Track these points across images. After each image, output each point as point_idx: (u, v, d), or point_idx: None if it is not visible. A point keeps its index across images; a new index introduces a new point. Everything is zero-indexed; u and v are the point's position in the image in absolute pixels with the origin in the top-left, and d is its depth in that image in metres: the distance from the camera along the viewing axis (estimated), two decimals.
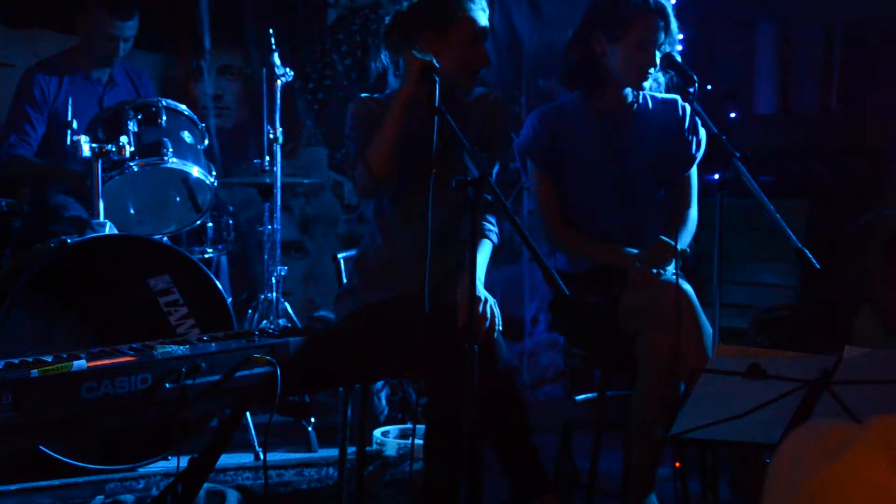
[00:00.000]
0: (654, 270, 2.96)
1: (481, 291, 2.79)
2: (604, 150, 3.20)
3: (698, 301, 2.92)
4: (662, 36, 3.08)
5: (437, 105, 2.69)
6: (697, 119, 3.16)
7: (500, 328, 2.83)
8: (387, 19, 3.13)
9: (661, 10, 3.09)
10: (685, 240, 3.15)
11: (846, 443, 1.23)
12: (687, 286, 2.92)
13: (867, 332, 3.58)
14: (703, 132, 3.20)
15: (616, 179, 3.19)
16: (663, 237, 3.01)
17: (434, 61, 2.81)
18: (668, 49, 3.10)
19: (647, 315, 2.92)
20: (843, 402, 2.20)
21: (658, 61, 3.07)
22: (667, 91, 3.23)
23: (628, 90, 3.20)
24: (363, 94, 3.14)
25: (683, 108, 3.22)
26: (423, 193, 2.92)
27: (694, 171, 3.25)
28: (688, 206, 3.23)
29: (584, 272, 3.20)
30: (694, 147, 3.22)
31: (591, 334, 3.13)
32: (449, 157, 2.82)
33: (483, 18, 3.02)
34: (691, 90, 2.92)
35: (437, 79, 2.75)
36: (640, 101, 3.23)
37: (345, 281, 3.27)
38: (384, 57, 3.13)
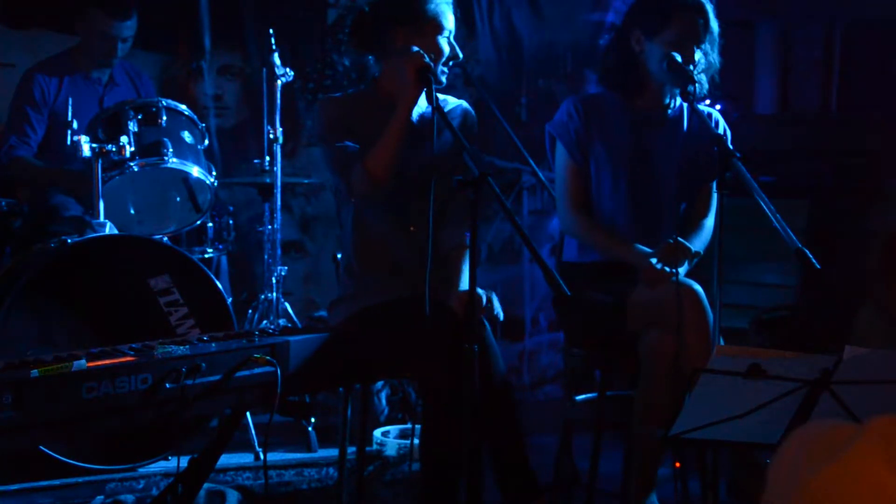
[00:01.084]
0: (667, 269, 2.96)
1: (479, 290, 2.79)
2: (632, 147, 3.20)
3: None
4: (702, 34, 3.07)
5: (434, 105, 2.69)
6: (729, 134, 3.16)
7: (502, 317, 2.83)
8: (348, 20, 3.12)
9: (700, 8, 3.09)
10: (698, 245, 3.14)
11: (846, 443, 1.23)
12: (696, 286, 2.93)
13: (867, 332, 3.58)
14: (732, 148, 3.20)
15: (639, 178, 3.19)
16: (678, 237, 3.02)
17: (431, 64, 2.80)
18: (709, 50, 3.10)
19: (653, 314, 2.92)
20: (843, 402, 2.20)
21: (696, 61, 3.07)
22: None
23: (667, 92, 3.19)
24: (329, 94, 3.14)
25: (717, 122, 3.21)
26: (407, 196, 2.92)
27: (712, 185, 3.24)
28: (704, 215, 3.23)
29: (593, 263, 3.20)
30: None
31: (593, 333, 3.13)
32: (441, 160, 2.81)
33: (450, 13, 3.00)
34: (690, 90, 2.93)
35: (432, 79, 2.74)
36: (676, 106, 3.23)
37: None
38: (346, 60, 3.13)
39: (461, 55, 3.02)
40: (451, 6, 3.01)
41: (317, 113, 3.08)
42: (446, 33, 2.98)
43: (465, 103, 3.18)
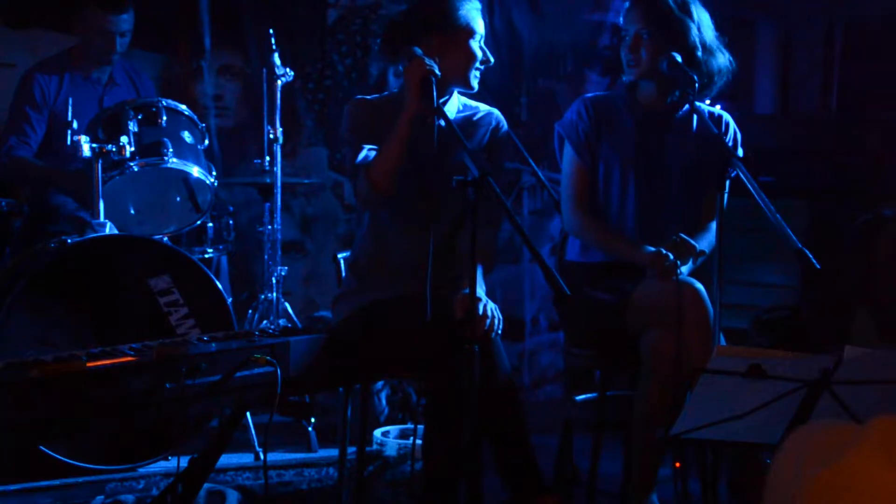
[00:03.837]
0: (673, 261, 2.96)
1: (481, 294, 2.78)
2: (640, 148, 3.19)
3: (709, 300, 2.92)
4: (643, 18, 3.10)
5: (436, 105, 2.69)
6: (739, 136, 3.16)
7: (500, 331, 2.82)
8: (379, 30, 3.12)
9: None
10: (703, 245, 3.13)
11: (847, 443, 1.23)
12: (698, 284, 2.93)
13: (863, 334, 3.58)
14: (741, 151, 3.19)
15: (647, 179, 3.19)
16: (683, 235, 3.01)
17: (434, 67, 2.79)
18: (685, 26, 3.12)
19: (655, 313, 2.91)
20: (843, 402, 2.20)
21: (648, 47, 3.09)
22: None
23: (669, 91, 3.18)
24: (359, 96, 3.13)
25: (727, 124, 3.21)
26: (421, 199, 2.92)
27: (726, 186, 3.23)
28: (711, 218, 3.20)
29: (594, 263, 3.20)
30: None
31: (594, 332, 3.13)
32: (450, 162, 2.81)
33: (480, 18, 3.02)
34: (690, 91, 2.93)
35: (433, 80, 2.74)
36: (685, 107, 3.22)
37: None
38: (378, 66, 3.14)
39: (492, 59, 3.03)
40: (480, 11, 3.02)
41: (345, 112, 3.07)
42: (478, 38, 2.99)
43: (496, 112, 3.18)
